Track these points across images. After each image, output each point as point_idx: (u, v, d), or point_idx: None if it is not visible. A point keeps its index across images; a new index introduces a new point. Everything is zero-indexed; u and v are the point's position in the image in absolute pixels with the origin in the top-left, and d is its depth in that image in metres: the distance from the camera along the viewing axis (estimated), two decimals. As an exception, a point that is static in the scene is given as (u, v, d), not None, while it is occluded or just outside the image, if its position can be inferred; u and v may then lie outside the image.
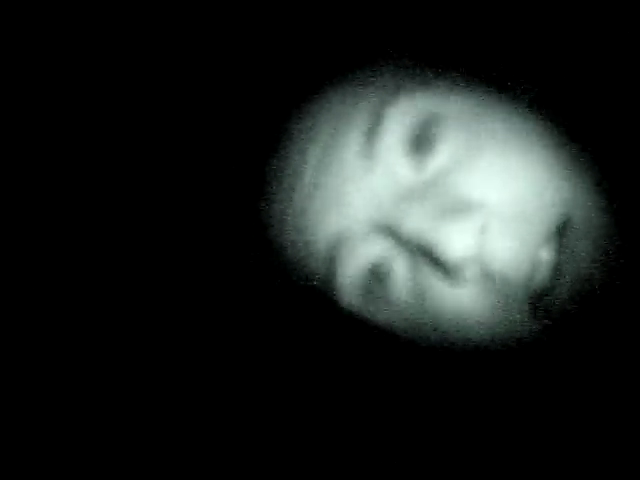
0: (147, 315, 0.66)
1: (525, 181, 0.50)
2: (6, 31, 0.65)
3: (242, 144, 0.59)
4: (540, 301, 0.50)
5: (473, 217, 0.50)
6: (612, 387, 0.58)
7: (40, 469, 0.66)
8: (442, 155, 0.51)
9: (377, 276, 0.53)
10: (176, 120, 0.64)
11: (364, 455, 0.63)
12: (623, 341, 0.55)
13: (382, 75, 0.54)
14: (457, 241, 0.49)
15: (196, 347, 0.66)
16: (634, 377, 0.57)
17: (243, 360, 0.65)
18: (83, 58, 0.66)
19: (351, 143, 0.52)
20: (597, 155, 0.52)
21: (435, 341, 0.54)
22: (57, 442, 0.66)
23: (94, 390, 0.67)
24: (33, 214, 0.67)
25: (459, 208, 0.50)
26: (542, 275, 0.50)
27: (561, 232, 0.50)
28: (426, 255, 0.51)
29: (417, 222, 0.50)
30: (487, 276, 0.50)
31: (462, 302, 0.51)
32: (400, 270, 0.53)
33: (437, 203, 0.51)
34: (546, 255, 0.50)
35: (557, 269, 0.49)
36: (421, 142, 0.52)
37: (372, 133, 0.52)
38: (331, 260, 0.54)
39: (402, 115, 0.52)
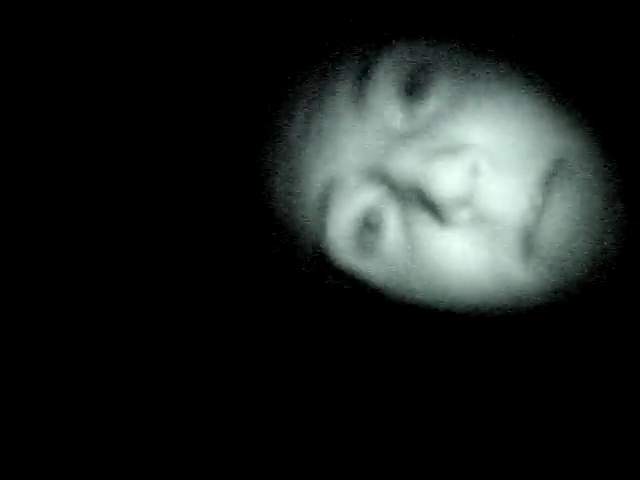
0: (141, 276, 0.66)
1: (517, 128, 0.50)
2: (6, 31, 0.67)
3: (231, 93, 0.59)
4: (530, 244, 0.50)
5: (464, 158, 0.49)
6: (605, 343, 0.58)
7: (40, 469, 0.65)
8: (433, 102, 0.51)
9: (368, 228, 0.53)
10: (165, 71, 0.64)
11: (361, 425, 0.63)
12: (614, 290, 0.54)
13: (373, 23, 0.55)
14: (447, 181, 0.49)
15: (192, 311, 0.66)
16: (627, 333, 0.57)
17: (238, 332, 0.65)
18: (77, 53, 0.67)
19: (341, 91, 0.53)
20: (592, 104, 0.52)
21: (426, 298, 0.54)
22: (57, 442, 0.66)
23: (94, 382, 0.67)
24: (33, 214, 0.67)
25: (450, 150, 0.50)
26: (532, 219, 0.49)
27: (553, 177, 0.50)
28: (417, 197, 0.51)
29: (408, 165, 0.50)
30: (477, 219, 0.50)
31: (452, 247, 0.51)
32: (391, 221, 0.53)
33: (428, 147, 0.50)
34: (537, 199, 0.49)
35: (548, 213, 0.49)
36: (412, 89, 0.52)
37: (363, 80, 0.52)
38: (322, 211, 0.54)
39: (393, 62, 0.52)
